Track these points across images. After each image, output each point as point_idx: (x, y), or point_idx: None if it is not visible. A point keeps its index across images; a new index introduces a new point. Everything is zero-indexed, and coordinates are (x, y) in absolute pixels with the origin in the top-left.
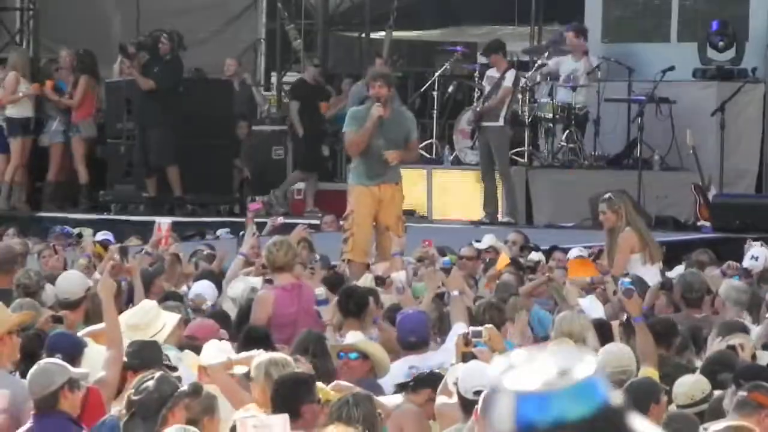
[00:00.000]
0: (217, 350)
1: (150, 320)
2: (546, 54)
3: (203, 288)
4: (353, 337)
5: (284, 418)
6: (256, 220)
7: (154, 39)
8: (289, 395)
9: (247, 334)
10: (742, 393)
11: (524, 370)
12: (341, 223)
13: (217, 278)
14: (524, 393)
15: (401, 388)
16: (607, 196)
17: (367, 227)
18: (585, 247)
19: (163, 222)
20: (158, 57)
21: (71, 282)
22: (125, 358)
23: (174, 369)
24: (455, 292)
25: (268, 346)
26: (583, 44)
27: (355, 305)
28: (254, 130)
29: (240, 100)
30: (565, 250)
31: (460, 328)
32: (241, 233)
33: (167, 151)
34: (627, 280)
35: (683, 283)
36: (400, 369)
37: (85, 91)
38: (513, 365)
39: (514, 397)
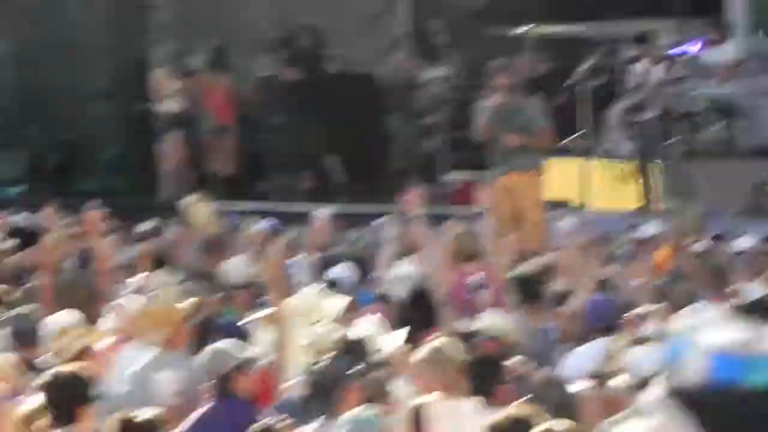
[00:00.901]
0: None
1: (315, 305)
2: (693, 47)
3: (342, 270)
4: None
5: (475, 402)
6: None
7: (295, 34)
8: (482, 374)
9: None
10: None
11: (720, 330)
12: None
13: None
14: (723, 351)
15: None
16: None
17: (500, 217)
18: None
19: (322, 213)
20: (301, 51)
21: (239, 266)
22: None
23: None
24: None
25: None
26: (723, 37)
27: (529, 292)
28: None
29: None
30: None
31: None
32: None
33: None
34: None
35: None
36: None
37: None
38: (707, 324)
39: (710, 353)
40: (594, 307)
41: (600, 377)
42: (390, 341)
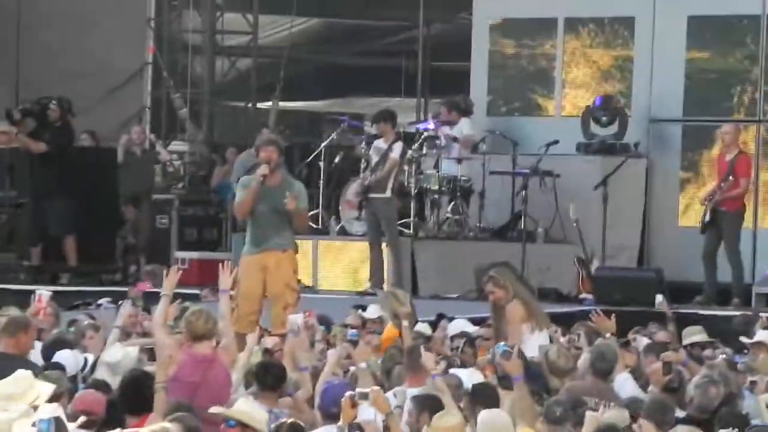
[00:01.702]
0: None
1: (24, 390)
2: (431, 125)
3: (66, 356)
4: (243, 404)
5: None
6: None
7: (42, 105)
8: None
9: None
10: None
11: None
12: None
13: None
14: None
15: None
16: (491, 274)
17: (251, 297)
18: (470, 319)
19: (44, 292)
20: (46, 123)
21: None
22: None
23: None
24: (363, 365)
25: None
26: (457, 117)
27: (273, 378)
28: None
29: (144, 165)
30: (451, 319)
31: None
32: (120, 302)
33: (68, 220)
34: (502, 344)
35: (596, 353)
36: None
37: None
38: None
39: None
40: (327, 392)
41: None
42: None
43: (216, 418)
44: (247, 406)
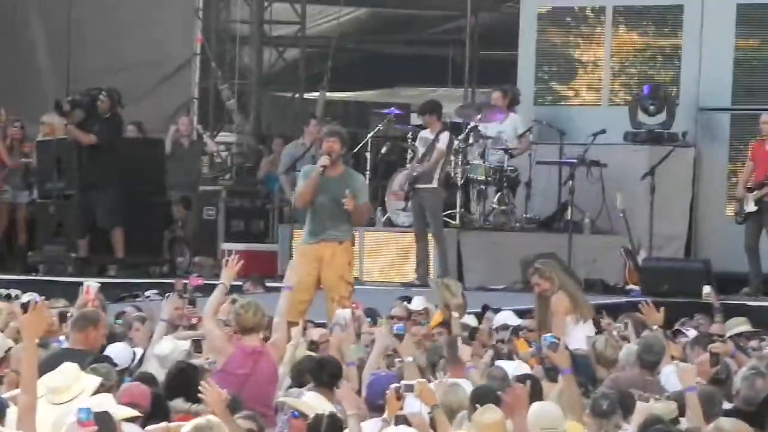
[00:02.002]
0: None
1: (70, 383)
2: (478, 116)
3: (117, 350)
4: (312, 398)
5: None
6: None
7: (91, 97)
8: None
9: None
10: None
11: None
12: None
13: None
14: None
15: None
16: (536, 265)
17: (304, 286)
18: (515, 311)
19: (91, 284)
20: (95, 115)
21: None
22: None
23: None
24: (409, 358)
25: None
26: (510, 106)
27: (329, 375)
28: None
29: (192, 157)
30: (496, 310)
31: None
32: (166, 295)
33: (116, 212)
34: (549, 335)
35: (643, 345)
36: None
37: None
38: None
39: None
40: (374, 384)
41: None
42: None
43: (264, 412)
44: (315, 401)
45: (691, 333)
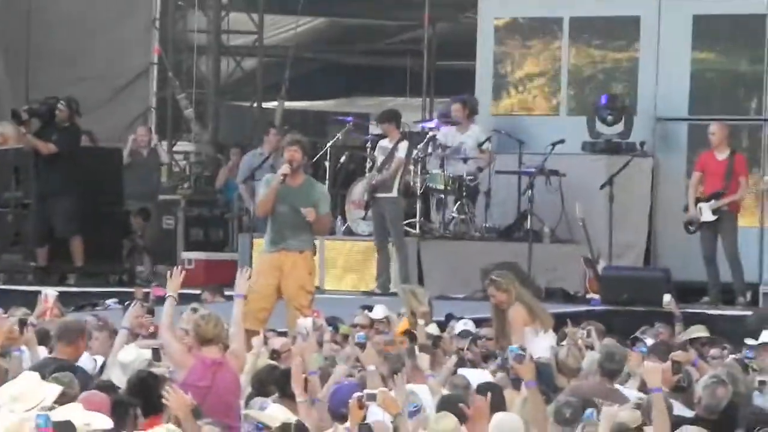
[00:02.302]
0: None
1: (30, 391)
2: (436, 125)
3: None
4: (274, 409)
5: None
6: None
7: (49, 106)
8: None
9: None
10: None
11: None
12: None
13: None
14: None
15: None
16: (492, 277)
17: (263, 295)
18: (474, 319)
19: (50, 293)
20: (53, 124)
21: None
22: None
23: None
24: (371, 367)
25: None
26: (470, 116)
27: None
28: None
29: (150, 166)
30: (459, 319)
31: None
32: (126, 303)
33: (73, 221)
34: (515, 346)
35: (604, 353)
36: None
37: None
38: None
39: None
40: (336, 393)
41: None
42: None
43: (228, 423)
44: (279, 412)
45: (649, 341)
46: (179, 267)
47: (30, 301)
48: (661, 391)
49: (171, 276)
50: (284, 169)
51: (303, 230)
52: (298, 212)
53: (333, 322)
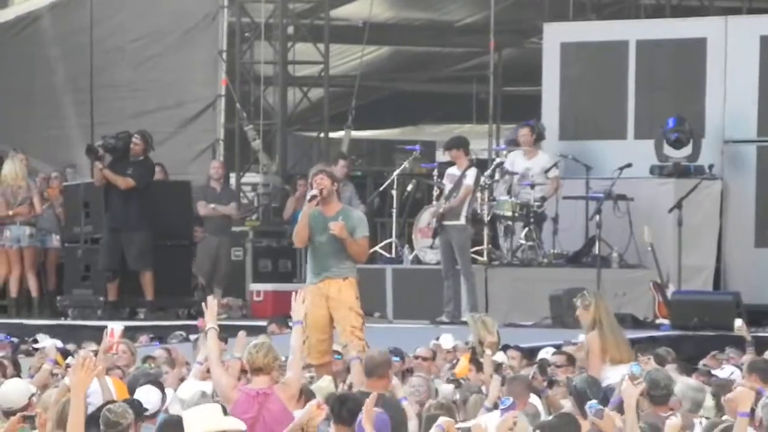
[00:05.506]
0: None
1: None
2: (504, 152)
3: (146, 393)
4: None
5: None
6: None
7: (124, 140)
8: None
9: None
10: None
11: None
12: None
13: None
14: None
15: None
16: (582, 293)
17: (319, 327)
18: (554, 346)
19: (115, 327)
20: (126, 158)
21: (15, 390)
22: None
23: None
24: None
25: None
26: (537, 142)
27: (348, 412)
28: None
29: (226, 198)
30: (520, 349)
31: None
32: (194, 338)
33: (147, 255)
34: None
35: (648, 381)
36: None
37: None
38: None
39: None
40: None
41: None
42: None
43: None
44: None
45: (727, 368)
46: (212, 296)
47: (99, 336)
48: (747, 416)
49: (207, 307)
50: (313, 192)
51: (345, 258)
52: (337, 241)
53: (396, 352)
